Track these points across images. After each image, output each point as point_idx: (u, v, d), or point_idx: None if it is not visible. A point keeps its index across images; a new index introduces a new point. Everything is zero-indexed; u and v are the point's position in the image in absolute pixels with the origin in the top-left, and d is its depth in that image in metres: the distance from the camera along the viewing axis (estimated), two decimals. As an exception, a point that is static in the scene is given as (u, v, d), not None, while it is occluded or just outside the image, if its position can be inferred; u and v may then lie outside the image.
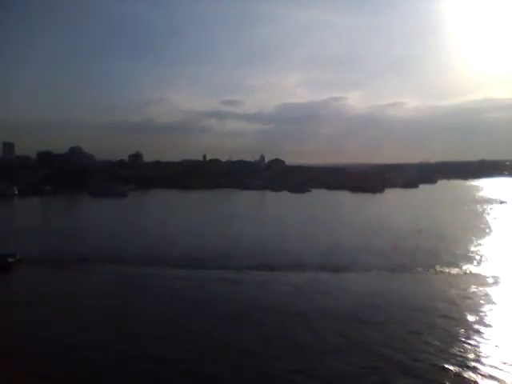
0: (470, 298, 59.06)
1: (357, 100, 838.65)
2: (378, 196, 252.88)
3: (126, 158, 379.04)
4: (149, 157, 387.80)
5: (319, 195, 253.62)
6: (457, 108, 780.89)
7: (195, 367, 38.76)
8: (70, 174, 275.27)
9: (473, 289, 62.88)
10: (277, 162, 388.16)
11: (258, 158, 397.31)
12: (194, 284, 65.11)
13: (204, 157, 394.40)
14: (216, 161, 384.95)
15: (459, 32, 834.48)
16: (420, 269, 74.74)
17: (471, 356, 40.63)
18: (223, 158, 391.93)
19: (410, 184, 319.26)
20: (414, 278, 69.66)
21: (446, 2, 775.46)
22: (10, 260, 73.37)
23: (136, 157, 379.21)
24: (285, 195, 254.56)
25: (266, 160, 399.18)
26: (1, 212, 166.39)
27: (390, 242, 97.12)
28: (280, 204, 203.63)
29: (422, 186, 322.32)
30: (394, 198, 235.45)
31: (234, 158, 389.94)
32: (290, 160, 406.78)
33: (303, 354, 41.59)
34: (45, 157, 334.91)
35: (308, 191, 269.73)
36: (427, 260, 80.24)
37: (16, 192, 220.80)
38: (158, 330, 47.01)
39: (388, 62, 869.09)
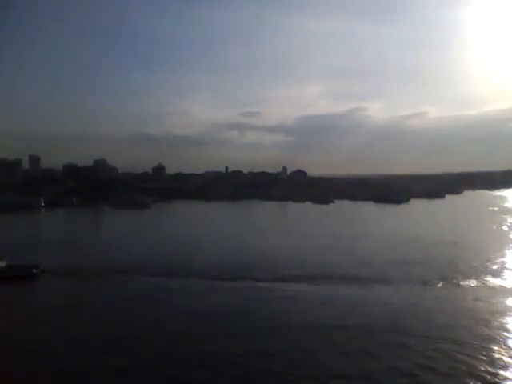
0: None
1: (378, 110, 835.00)
2: (403, 207, 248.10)
3: (149, 171, 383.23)
4: (171, 169, 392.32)
5: (343, 206, 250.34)
6: (481, 117, 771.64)
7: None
8: (95, 186, 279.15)
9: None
10: (298, 173, 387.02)
11: (279, 169, 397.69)
12: (226, 294, 64.05)
13: (226, 168, 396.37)
14: (238, 172, 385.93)
15: (483, 41, 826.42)
16: (455, 281, 72.41)
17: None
18: (245, 170, 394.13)
19: (436, 195, 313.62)
20: (448, 292, 67.25)
21: (470, 10, 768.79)
22: (34, 271, 74.45)
23: (159, 169, 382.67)
24: (308, 206, 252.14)
25: (288, 171, 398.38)
26: (27, 224, 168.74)
27: (421, 254, 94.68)
28: (303, 215, 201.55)
29: (447, 197, 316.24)
30: (420, 209, 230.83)
31: (256, 170, 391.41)
32: (312, 171, 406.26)
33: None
34: (70, 169, 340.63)
35: (331, 202, 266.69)
36: (460, 272, 77.71)
37: (43, 204, 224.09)
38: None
39: (409, 71, 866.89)
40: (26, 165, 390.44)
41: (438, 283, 71.40)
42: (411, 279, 73.41)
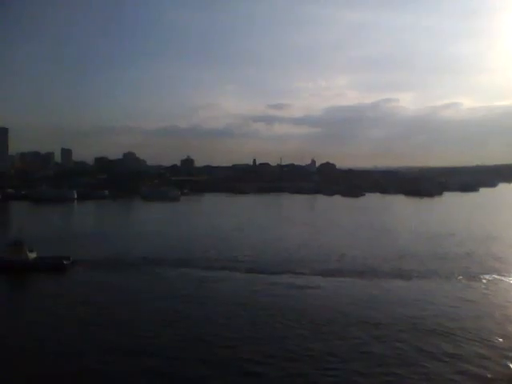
0: None
1: (409, 101, 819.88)
2: (436, 200, 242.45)
3: (178, 163, 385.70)
4: (199, 161, 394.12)
5: (374, 199, 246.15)
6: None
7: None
8: (126, 178, 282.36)
9: None
10: (327, 165, 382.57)
11: (308, 161, 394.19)
12: (265, 289, 63.04)
13: (254, 161, 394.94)
14: (266, 165, 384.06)
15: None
16: (496, 276, 70.02)
17: None
18: (272, 162, 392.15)
19: (469, 188, 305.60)
20: (497, 288, 64.84)
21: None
22: (65, 262, 75.03)
23: (187, 162, 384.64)
24: (338, 199, 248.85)
25: (317, 163, 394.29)
26: (61, 216, 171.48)
27: (460, 249, 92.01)
28: (335, 209, 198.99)
29: (482, 190, 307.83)
30: (454, 203, 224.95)
31: (284, 162, 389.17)
32: (340, 163, 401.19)
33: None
34: (101, 162, 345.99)
35: (362, 195, 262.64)
36: (505, 268, 75.04)
37: (75, 196, 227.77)
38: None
39: (441, 61, 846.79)
40: (57, 158, 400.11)
41: (483, 278, 68.97)
42: (455, 274, 71.41)
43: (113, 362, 40.21)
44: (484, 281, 68.02)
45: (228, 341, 44.72)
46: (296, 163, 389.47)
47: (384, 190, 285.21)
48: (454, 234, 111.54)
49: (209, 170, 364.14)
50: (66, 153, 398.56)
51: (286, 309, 53.97)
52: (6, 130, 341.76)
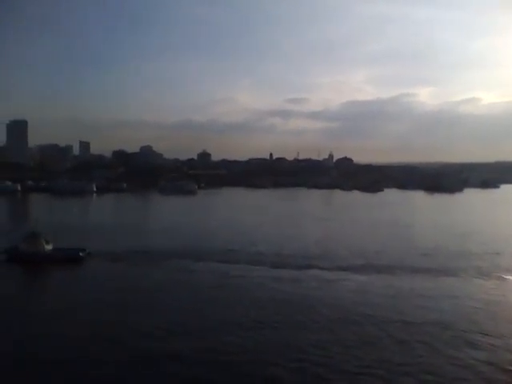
0: None
1: (427, 96, 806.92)
2: (457, 197, 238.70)
3: (194, 157, 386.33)
4: (215, 156, 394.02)
5: (393, 195, 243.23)
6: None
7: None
8: (144, 172, 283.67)
9: None
10: (345, 160, 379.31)
11: (325, 156, 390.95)
12: (291, 284, 61.87)
13: (270, 155, 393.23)
14: (282, 159, 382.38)
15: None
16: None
17: None
18: (288, 156, 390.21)
19: (490, 184, 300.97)
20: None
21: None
22: (81, 254, 75.11)
23: (204, 156, 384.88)
24: (356, 195, 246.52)
25: (334, 158, 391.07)
26: (80, 208, 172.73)
27: (485, 246, 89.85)
28: (354, 204, 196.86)
29: (502, 187, 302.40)
30: (475, 199, 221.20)
31: (301, 157, 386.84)
32: (358, 158, 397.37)
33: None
34: (119, 155, 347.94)
35: (380, 191, 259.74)
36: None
37: (95, 189, 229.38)
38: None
39: (461, 56, 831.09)
40: (76, 150, 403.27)
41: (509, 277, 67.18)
42: (483, 272, 69.75)
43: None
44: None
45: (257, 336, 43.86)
46: (313, 158, 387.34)
47: (403, 185, 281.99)
48: (478, 232, 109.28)
49: (225, 164, 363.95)
50: (84, 146, 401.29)
51: (316, 305, 52.92)
52: (26, 122, 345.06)
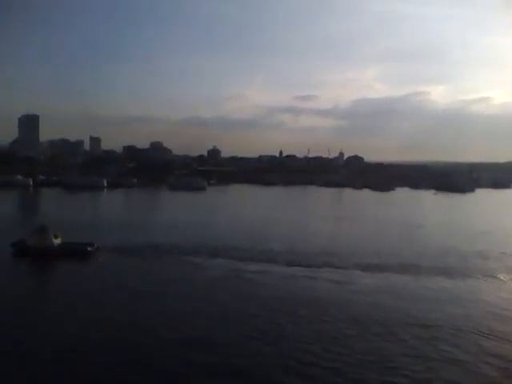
0: None
1: (439, 95, 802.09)
2: (468, 196, 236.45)
3: (203, 153, 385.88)
4: (225, 152, 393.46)
5: (404, 194, 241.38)
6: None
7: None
8: (154, 168, 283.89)
9: None
10: (356, 158, 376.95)
11: (335, 154, 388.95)
12: (306, 283, 61.36)
13: (280, 152, 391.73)
14: (293, 157, 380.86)
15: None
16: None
17: None
18: (298, 154, 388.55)
19: (501, 184, 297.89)
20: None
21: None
22: (89, 249, 75.26)
23: (214, 152, 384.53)
24: (367, 194, 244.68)
25: (344, 156, 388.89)
26: (90, 203, 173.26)
27: (501, 248, 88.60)
28: (365, 203, 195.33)
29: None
30: (487, 199, 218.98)
31: (311, 154, 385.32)
32: (368, 156, 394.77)
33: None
34: (130, 151, 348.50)
35: (392, 190, 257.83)
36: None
37: (105, 184, 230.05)
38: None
39: (474, 54, 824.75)
40: (86, 146, 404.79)
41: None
42: (500, 273, 69.05)
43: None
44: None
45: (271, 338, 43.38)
46: (324, 155, 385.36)
47: (414, 184, 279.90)
48: (493, 232, 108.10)
49: (235, 160, 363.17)
50: (95, 141, 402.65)
51: (332, 306, 52.19)
52: (37, 117, 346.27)
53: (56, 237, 76.09)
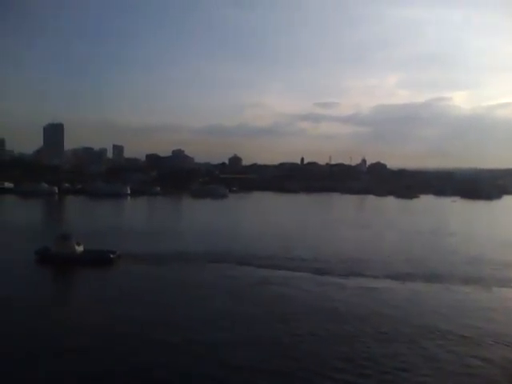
0: None
1: (462, 100, 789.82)
2: (496, 204, 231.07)
3: (224, 161, 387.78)
4: (246, 160, 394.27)
5: (429, 202, 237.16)
6: None
7: None
8: (176, 175, 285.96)
9: None
10: (378, 165, 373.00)
11: (357, 161, 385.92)
12: (336, 292, 59.97)
13: (302, 160, 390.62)
14: (314, 164, 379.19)
15: None
16: None
17: None
18: (320, 161, 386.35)
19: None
20: None
21: None
22: (111, 256, 75.44)
23: (235, 160, 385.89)
24: (391, 201, 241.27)
25: (366, 163, 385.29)
26: (114, 211, 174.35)
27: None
28: (390, 210, 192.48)
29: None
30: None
31: (333, 161, 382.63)
32: (391, 163, 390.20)
33: None
34: (152, 159, 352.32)
35: (416, 197, 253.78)
36: None
37: (129, 192, 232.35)
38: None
39: (497, 59, 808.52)
40: (109, 154, 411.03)
41: None
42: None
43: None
44: None
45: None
46: (345, 162, 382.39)
47: (438, 191, 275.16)
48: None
49: (256, 168, 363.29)
50: (118, 149, 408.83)
51: (363, 316, 50.93)
52: (62, 125, 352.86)
53: (79, 244, 76.76)
